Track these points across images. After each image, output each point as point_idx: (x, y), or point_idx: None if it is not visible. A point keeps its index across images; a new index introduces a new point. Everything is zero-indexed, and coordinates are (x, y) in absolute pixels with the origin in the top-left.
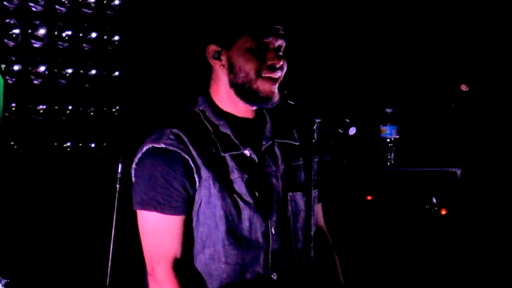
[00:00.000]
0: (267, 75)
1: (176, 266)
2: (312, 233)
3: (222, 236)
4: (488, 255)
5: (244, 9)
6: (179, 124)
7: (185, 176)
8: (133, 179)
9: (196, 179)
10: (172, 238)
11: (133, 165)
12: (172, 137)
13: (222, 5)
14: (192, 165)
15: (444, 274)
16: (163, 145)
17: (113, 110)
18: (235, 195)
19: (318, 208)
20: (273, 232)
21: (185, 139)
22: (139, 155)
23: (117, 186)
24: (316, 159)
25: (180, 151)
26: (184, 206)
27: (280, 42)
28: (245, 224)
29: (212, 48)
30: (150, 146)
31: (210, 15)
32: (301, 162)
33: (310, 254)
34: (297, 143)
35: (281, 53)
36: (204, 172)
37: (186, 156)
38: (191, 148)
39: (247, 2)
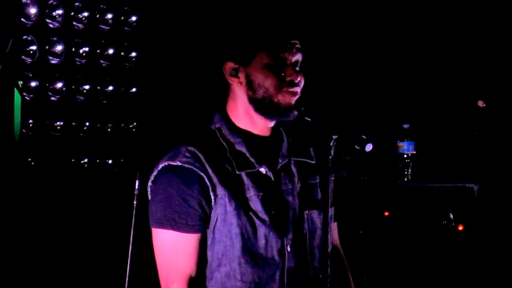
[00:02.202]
0: (288, 90)
1: (191, 284)
2: (328, 251)
3: (238, 254)
4: (506, 271)
5: (260, 25)
6: (195, 142)
7: (201, 194)
8: (149, 197)
9: (212, 197)
10: (188, 257)
11: (149, 183)
12: (188, 154)
13: (238, 22)
14: (208, 183)
15: None
16: (179, 163)
17: (131, 126)
18: (251, 213)
19: (334, 227)
20: (289, 250)
21: (201, 156)
22: (155, 173)
23: (135, 202)
24: (333, 178)
25: (196, 169)
26: (200, 224)
27: (297, 57)
28: (261, 242)
29: (229, 65)
30: (166, 164)
31: (226, 32)
32: (318, 181)
33: (327, 272)
34: (314, 161)
35: (298, 68)
36: (220, 190)
37: (202, 174)
38: (207, 166)
39: (263, 18)
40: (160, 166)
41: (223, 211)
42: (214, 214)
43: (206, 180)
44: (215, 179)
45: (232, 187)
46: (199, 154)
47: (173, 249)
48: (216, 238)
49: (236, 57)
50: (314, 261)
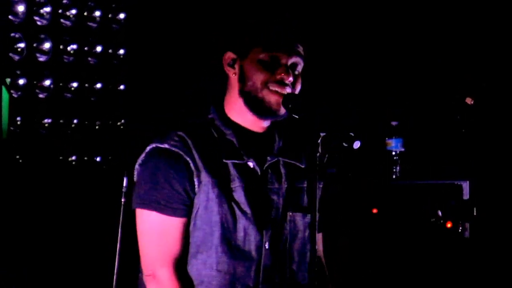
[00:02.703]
0: (274, 89)
1: (178, 269)
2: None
3: (216, 242)
4: (494, 268)
5: (261, 21)
6: (185, 128)
7: (186, 178)
8: (135, 179)
9: (196, 183)
10: (175, 241)
11: (137, 166)
12: (176, 138)
13: (241, 17)
14: (193, 168)
15: (450, 287)
16: (166, 146)
17: (119, 123)
18: (233, 203)
19: (318, 238)
20: (267, 247)
21: (189, 142)
22: (142, 156)
23: (123, 200)
24: (321, 185)
25: (182, 153)
26: (185, 209)
27: (295, 60)
28: (240, 233)
29: (229, 55)
30: (154, 146)
31: (229, 25)
32: (305, 185)
33: (307, 277)
34: (303, 166)
35: (297, 72)
36: (204, 177)
37: (188, 159)
38: (194, 151)
39: (265, 15)
40: (148, 149)
41: (205, 198)
42: (197, 201)
43: (192, 165)
44: (200, 165)
45: (217, 175)
46: (187, 139)
47: (159, 232)
48: (197, 224)
49: (235, 47)
50: (292, 263)
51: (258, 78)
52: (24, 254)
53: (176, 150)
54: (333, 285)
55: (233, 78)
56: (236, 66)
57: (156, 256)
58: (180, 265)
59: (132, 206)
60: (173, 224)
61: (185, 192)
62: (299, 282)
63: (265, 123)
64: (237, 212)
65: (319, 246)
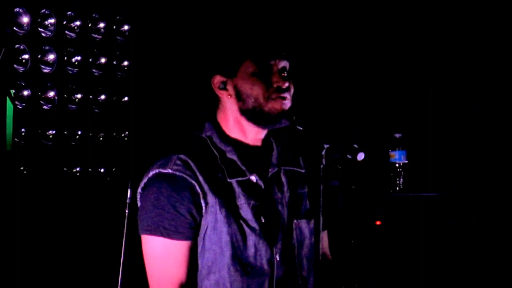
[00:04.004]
0: (276, 97)
1: None
2: (318, 261)
3: (228, 262)
4: (498, 277)
5: (242, 35)
6: (186, 150)
7: (191, 202)
8: (139, 204)
9: (203, 205)
10: (179, 264)
11: (139, 190)
12: (178, 162)
13: (221, 33)
14: (199, 191)
15: None
16: (170, 171)
17: (123, 135)
18: (241, 221)
19: (323, 236)
20: (278, 259)
21: (192, 164)
22: (145, 180)
23: (126, 211)
24: (322, 188)
25: (187, 177)
26: (191, 232)
27: (283, 64)
28: (250, 250)
29: (217, 79)
30: (157, 171)
31: (210, 46)
32: (306, 190)
33: (315, 282)
34: (303, 171)
35: (285, 74)
36: (211, 198)
37: (193, 182)
38: (197, 173)
39: (246, 26)
40: (151, 174)
41: (213, 219)
42: (204, 222)
43: (197, 188)
44: (206, 187)
45: (223, 195)
46: (190, 162)
47: (164, 256)
48: (206, 246)
49: (222, 69)
50: (302, 271)
51: (258, 92)
52: (29, 264)
53: (180, 174)
54: (344, 284)
55: (228, 100)
56: (229, 87)
57: (161, 280)
58: None
59: (139, 232)
60: (179, 248)
61: (191, 215)
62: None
63: (264, 133)
64: (246, 229)
65: (324, 243)
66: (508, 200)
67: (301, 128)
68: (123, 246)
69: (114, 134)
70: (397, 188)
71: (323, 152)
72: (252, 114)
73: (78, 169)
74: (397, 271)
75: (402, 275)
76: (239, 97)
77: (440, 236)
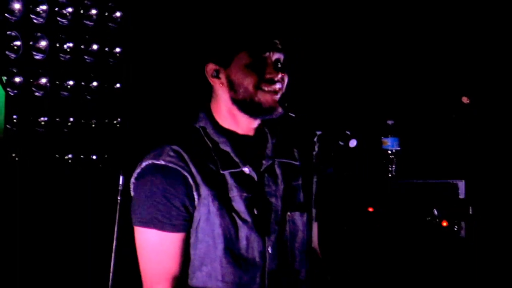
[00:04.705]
0: (266, 89)
1: (175, 285)
2: (309, 253)
3: (220, 254)
4: (490, 266)
5: (239, 25)
6: (179, 141)
7: (185, 194)
8: (132, 193)
9: (196, 197)
10: (172, 257)
11: (132, 180)
12: (172, 154)
13: (217, 23)
14: (192, 183)
15: (446, 286)
16: (163, 162)
17: (115, 122)
18: (233, 213)
19: (314, 228)
20: (270, 252)
21: (185, 156)
22: (138, 170)
23: (119, 198)
24: (316, 180)
25: (180, 169)
26: (184, 224)
27: (278, 56)
28: (243, 242)
29: (211, 67)
30: (150, 162)
31: (206, 34)
32: (301, 182)
33: (307, 274)
34: (298, 163)
35: (279, 66)
36: (204, 190)
37: (186, 174)
38: (191, 165)
39: (241, 18)
40: (144, 164)
41: (206, 211)
42: (197, 214)
43: (190, 179)
44: (198, 179)
45: (216, 187)
46: (183, 153)
47: (158, 249)
48: (199, 237)
49: (216, 58)
50: (295, 263)
51: (249, 83)
52: (20, 251)
53: (173, 165)
54: (330, 275)
55: (220, 88)
56: (222, 76)
57: (154, 272)
58: (179, 280)
59: (133, 223)
60: (172, 240)
61: (184, 207)
62: (302, 280)
63: (256, 123)
64: (238, 221)
65: (314, 236)
66: (502, 186)
67: (293, 115)
68: (115, 233)
69: (106, 121)
70: (390, 175)
71: (315, 139)
72: (243, 104)
73: (70, 156)
74: (389, 258)
75: (394, 262)
76: (231, 86)
77: (432, 223)
